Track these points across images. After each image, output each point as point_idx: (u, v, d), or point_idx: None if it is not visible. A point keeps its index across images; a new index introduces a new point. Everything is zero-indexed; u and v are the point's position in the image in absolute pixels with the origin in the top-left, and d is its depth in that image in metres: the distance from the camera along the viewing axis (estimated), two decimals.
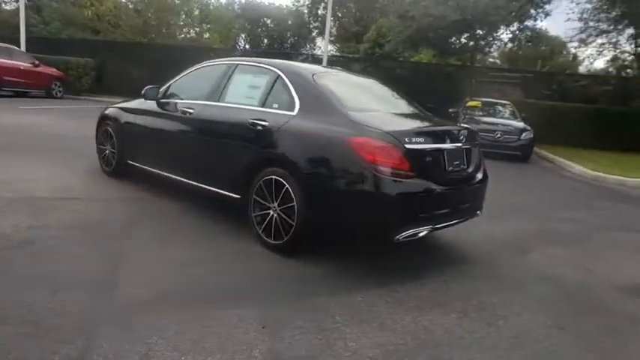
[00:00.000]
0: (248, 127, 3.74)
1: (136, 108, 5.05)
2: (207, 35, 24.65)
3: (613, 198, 7.44)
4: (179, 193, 4.71)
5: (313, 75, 3.78)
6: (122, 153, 5.19)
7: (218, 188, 4.03)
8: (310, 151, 3.33)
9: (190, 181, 4.29)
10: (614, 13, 13.01)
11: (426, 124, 3.75)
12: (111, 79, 19.31)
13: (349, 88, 3.98)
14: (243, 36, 37.32)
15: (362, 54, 22.77)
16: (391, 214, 3.11)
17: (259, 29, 38.87)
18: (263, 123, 3.64)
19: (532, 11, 14.69)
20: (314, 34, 39.36)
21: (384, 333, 2.58)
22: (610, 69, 18.07)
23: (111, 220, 3.98)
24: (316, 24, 39.94)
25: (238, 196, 3.88)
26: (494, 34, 16.21)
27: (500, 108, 13.41)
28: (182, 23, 22.60)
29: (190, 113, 4.27)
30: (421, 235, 3.27)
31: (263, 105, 3.82)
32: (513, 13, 14.40)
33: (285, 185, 3.42)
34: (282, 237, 3.48)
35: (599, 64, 33.10)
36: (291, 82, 3.69)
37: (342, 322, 2.65)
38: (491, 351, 2.50)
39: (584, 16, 13.49)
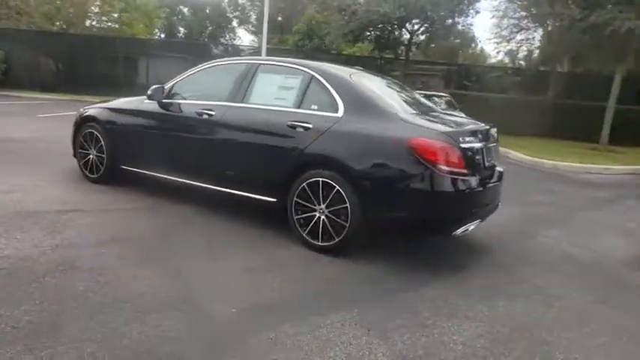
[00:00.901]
0: (286, 129, 3.68)
1: (131, 109, 4.69)
2: (122, 24, 22.94)
3: (561, 181, 8.32)
4: (188, 198, 4.50)
5: (351, 75, 3.81)
6: (114, 158, 4.80)
7: (250, 192, 3.92)
8: (365, 153, 3.37)
9: (214, 187, 4.11)
10: (528, 12, 14.35)
11: (465, 122, 3.93)
12: (18, 71, 17.42)
13: (382, 88, 4.05)
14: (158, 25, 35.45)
15: (292, 45, 22.73)
16: (451, 211, 3.28)
17: (175, 18, 37.11)
18: (305, 125, 3.60)
19: (465, 8, 15.74)
20: (234, 23, 38.48)
21: (475, 323, 2.75)
22: (520, 61, 19.93)
23: (138, 233, 3.71)
24: (236, 13, 39.08)
25: (274, 200, 3.81)
26: (431, 29, 17.08)
27: (437, 99, 14.21)
28: (98, 10, 20.81)
29: (210, 115, 4.07)
30: (471, 229, 3.48)
31: (299, 106, 3.78)
32: (446, 12, 15.30)
33: (334, 187, 3.44)
34: (331, 238, 3.50)
35: (498, 56, 36.22)
36: (329, 83, 3.69)
37: (432, 317, 2.77)
38: (571, 329, 2.77)
39: (509, 13, 14.75)
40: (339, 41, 17.36)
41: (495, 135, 3.90)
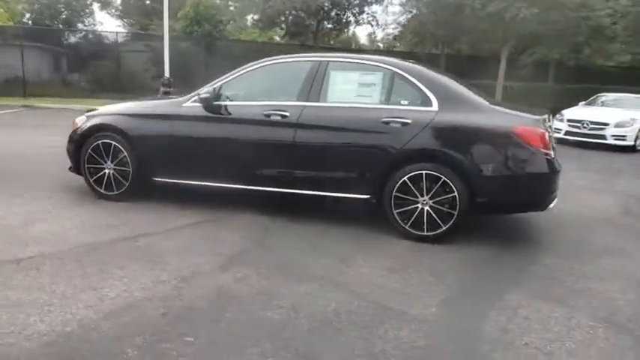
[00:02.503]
0: (381, 126, 3.69)
1: (166, 114, 4.17)
2: None
3: None
4: (244, 205, 4.23)
5: (431, 70, 3.94)
6: (143, 170, 4.24)
7: (338, 192, 3.86)
8: (472, 143, 3.57)
9: (291, 190, 3.94)
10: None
11: (533, 110, 4.25)
12: None
13: (453, 80, 4.20)
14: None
15: (180, 32, 21.26)
16: (550, 188, 3.67)
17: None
18: (403, 120, 3.66)
19: None
20: (94, 7, 34.32)
21: (610, 282, 3.18)
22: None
23: (241, 249, 3.42)
24: None
25: (366, 196, 3.82)
26: (342, 18, 17.49)
27: None
28: None
29: (284, 116, 3.86)
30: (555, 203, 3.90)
31: (387, 103, 3.81)
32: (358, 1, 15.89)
33: (440, 178, 3.59)
34: (437, 228, 3.66)
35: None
36: (416, 78, 3.77)
37: (577, 282, 3.15)
38: None
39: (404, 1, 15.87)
40: (245, 27, 16.81)
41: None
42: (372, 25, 18.60)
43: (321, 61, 4.01)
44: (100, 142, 4.30)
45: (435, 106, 3.69)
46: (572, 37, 15.17)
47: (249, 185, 4.06)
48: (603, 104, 11.78)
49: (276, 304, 2.65)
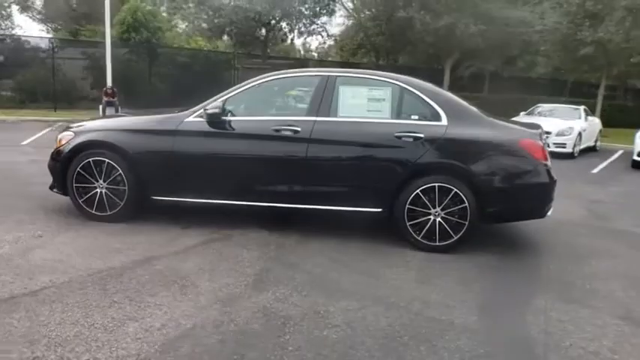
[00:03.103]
0: (394, 140, 3.79)
1: (168, 129, 3.98)
2: None
3: None
4: (247, 222, 4.16)
5: (436, 86, 4.10)
6: (140, 189, 4.02)
7: (350, 206, 3.89)
8: (482, 156, 3.75)
9: (301, 205, 3.92)
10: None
11: (524, 123, 4.52)
12: None
13: (454, 95, 4.35)
14: None
15: (116, 37, 20.22)
16: (550, 197, 3.94)
17: None
18: (416, 135, 3.77)
19: (328, 9, 16.65)
20: (13, 9, 31.62)
21: (625, 281, 3.49)
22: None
23: (263, 268, 3.34)
24: None
25: (379, 210, 3.89)
26: (294, 28, 17.49)
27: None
28: None
29: (295, 131, 3.84)
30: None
31: (398, 117, 3.92)
32: (308, 11, 15.98)
33: (452, 190, 3.75)
34: (448, 237, 3.81)
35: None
36: (424, 94, 3.91)
37: (584, 283, 3.42)
38: None
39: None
40: (194, 35, 16.35)
41: None
42: (322, 36, 18.86)
43: (329, 76, 4.03)
44: (91, 159, 4.02)
45: (444, 121, 3.85)
46: (507, 50, 16.39)
47: (257, 201, 3.99)
48: (541, 114, 12.76)
49: (328, 322, 2.64)
